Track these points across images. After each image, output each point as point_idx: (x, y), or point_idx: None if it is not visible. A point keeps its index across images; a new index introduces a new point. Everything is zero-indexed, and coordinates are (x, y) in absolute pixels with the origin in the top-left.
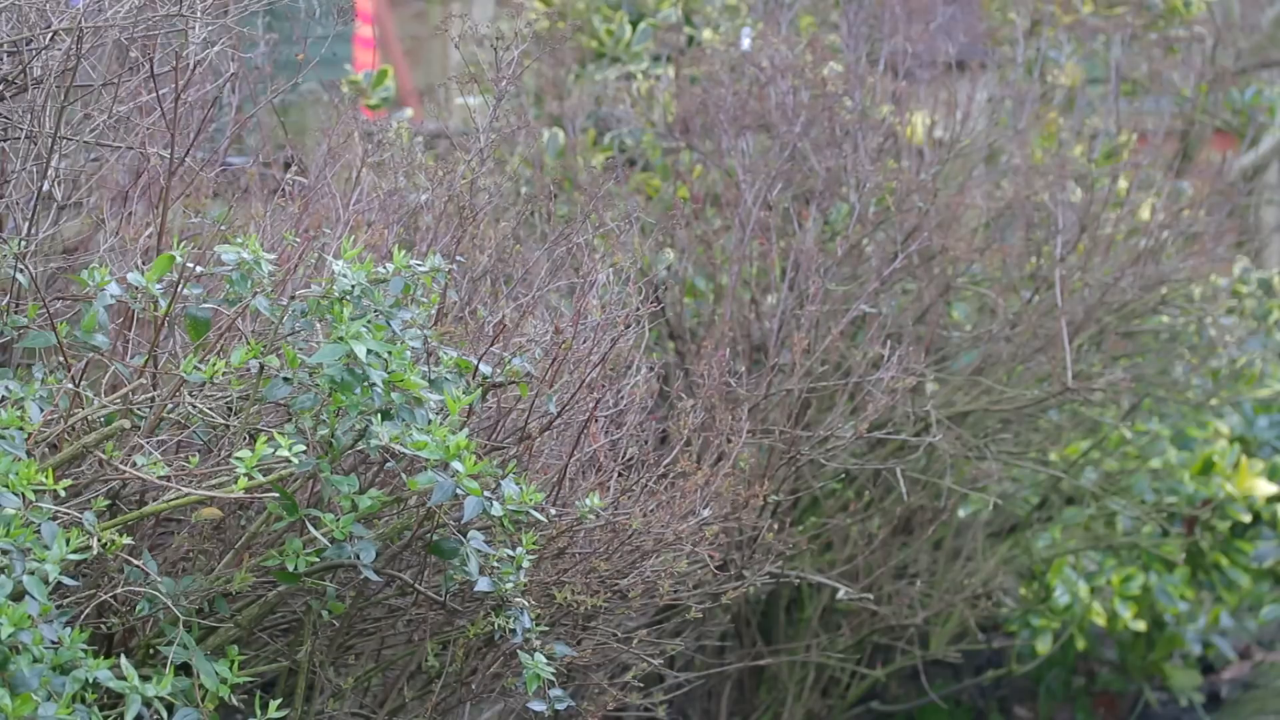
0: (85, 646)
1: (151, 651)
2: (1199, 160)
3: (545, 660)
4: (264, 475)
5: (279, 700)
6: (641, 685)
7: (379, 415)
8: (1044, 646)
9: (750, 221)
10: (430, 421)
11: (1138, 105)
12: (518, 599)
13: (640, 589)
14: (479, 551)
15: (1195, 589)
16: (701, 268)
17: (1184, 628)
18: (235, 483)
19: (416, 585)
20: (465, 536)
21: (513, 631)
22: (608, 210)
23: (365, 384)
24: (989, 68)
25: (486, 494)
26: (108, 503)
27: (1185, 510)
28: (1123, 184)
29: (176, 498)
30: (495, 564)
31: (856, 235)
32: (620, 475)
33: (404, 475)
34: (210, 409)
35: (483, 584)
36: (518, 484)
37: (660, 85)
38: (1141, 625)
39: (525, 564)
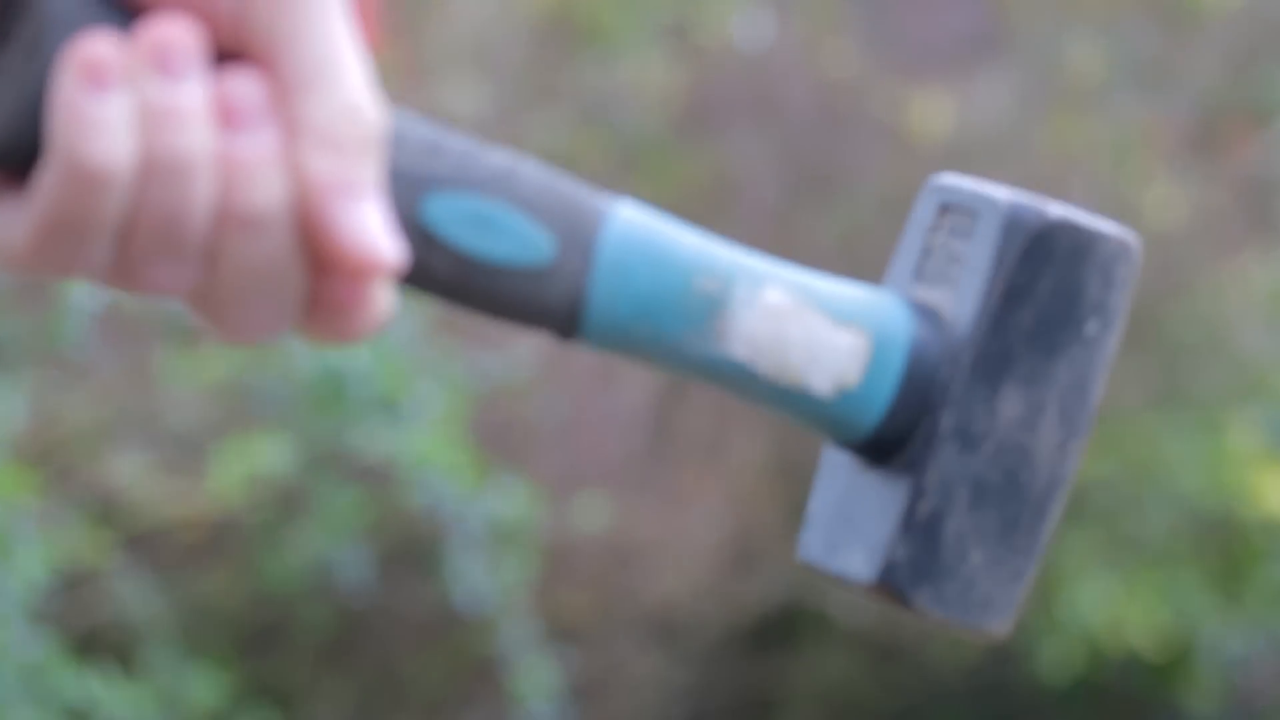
0: (67, 656)
1: (136, 663)
2: (1222, 151)
3: (541, 674)
4: (252, 484)
5: (266, 713)
6: (642, 701)
7: (372, 421)
8: (1059, 669)
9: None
10: (425, 427)
11: (1158, 94)
12: (513, 610)
13: (642, 600)
14: (474, 562)
15: (1219, 609)
16: None
17: (1206, 648)
18: (222, 492)
19: (408, 598)
20: (460, 546)
21: (508, 644)
22: None
23: (359, 389)
24: (1004, 58)
25: (482, 502)
26: (92, 511)
27: (1207, 524)
28: (1140, 177)
29: (162, 507)
30: (490, 575)
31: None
32: (621, 481)
33: (397, 483)
34: (196, 416)
35: (477, 595)
36: (515, 491)
37: (662, 80)
38: (1162, 648)
39: (522, 575)
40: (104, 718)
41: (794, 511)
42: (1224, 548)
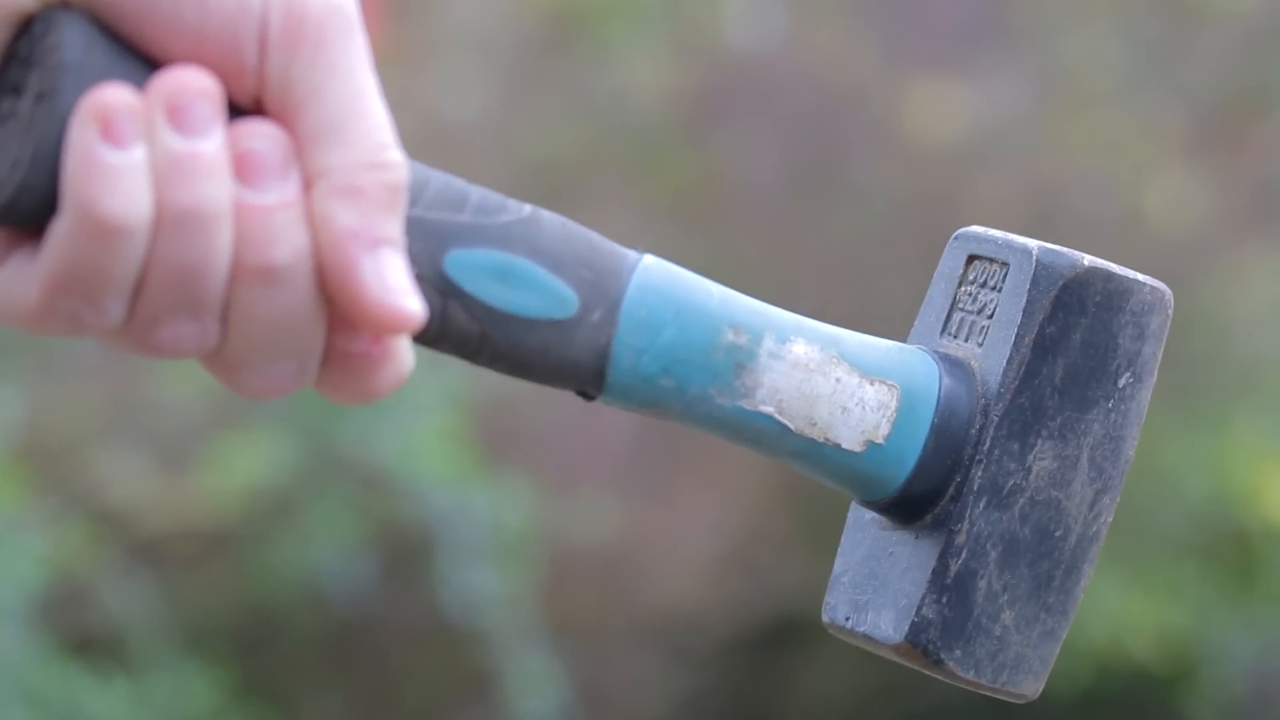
0: (63, 658)
1: (134, 666)
2: (1229, 149)
3: (539, 678)
4: (250, 489)
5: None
6: (642, 706)
7: (369, 421)
8: (1064, 680)
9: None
10: (424, 429)
11: (1165, 91)
12: (513, 615)
13: (643, 605)
14: (472, 567)
15: (1226, 613)
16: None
17: (1212, 655)
18: (221, 497)
19: (405, 602)
20: (456, 552)
21: (505, 648)
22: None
23: None
24: (1008, 54)
25: (483, 509)
26: (87, 512)
27: (1213, 528)
28: (1147, 175)
29: (157, 509)
30: (489, 580)
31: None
32: (623, 485)
33: (394, 490)
34: (194, 420)
35: (472, 600)
36: (516, 495)
37: (662, 80)
38: (1168, 657)
39: (522, 579)
40: (98, 719)
41: (797, 516)
42: (1231, 551)
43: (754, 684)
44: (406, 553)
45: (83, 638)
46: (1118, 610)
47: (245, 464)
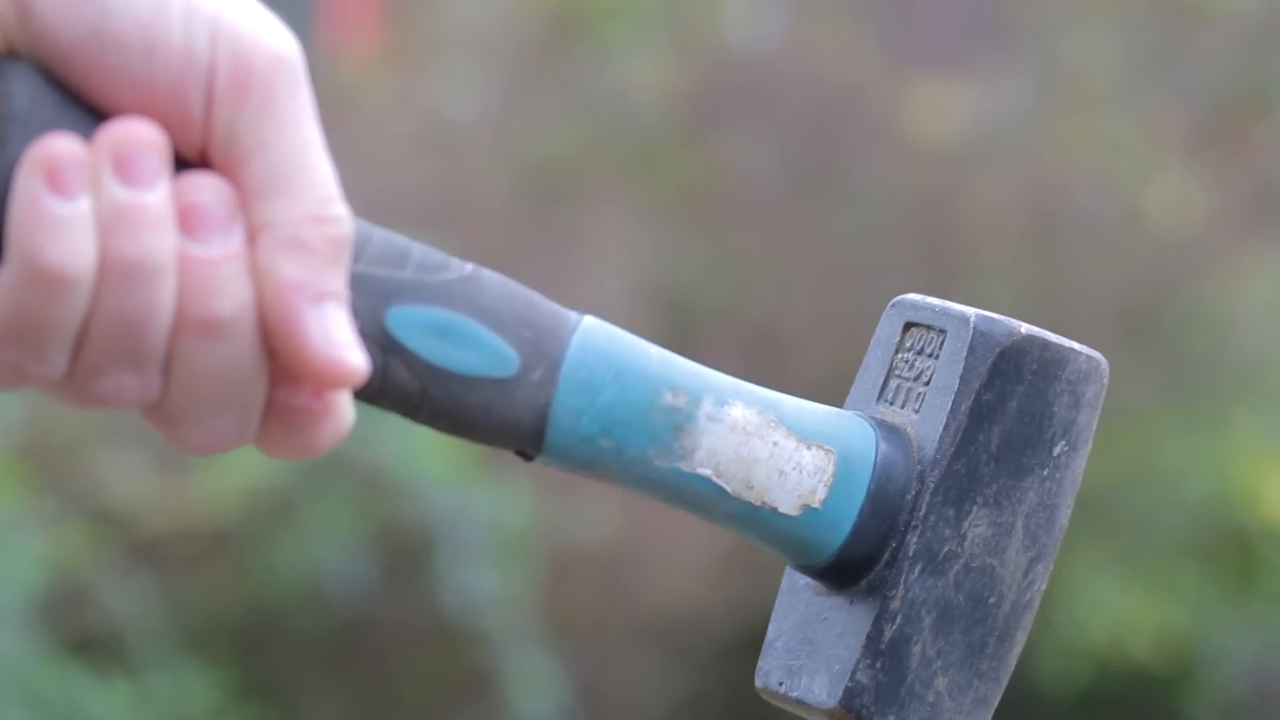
0: (65, 660)
1: (134, 666)
2: (1228, 148)
3: (539, 678)
4: (250, 489)
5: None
6: (642, 705)
7: (371, 427)
8: (1063, 681)
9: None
10: (426, 433)
11: (1165, 90)
12: (513, 615)
13: (643, 605)
14: (472, 568)
15: (1226, 612)
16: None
17: (1211, 655)
18: (221, 497)
19: (405, 603)
20: (455, 553)
21: (504, 649)
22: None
23: None
24: (1008, 54)
25: (483, 509)
26: (88, 512)
27: (1213, 527)
28: (1146, 174)
29: (157, 510)
30: (489, 580)
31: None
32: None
33: (393, 490)
34: None
35: (471, 600)
36: (516, 496)
37: (663, 80)
38: (1167, 656)
39: (522, 582)
40: (98, 719)
41: None
42: (1231, 551)
43: (754, 684)
44: (406, 553)
45: (83, 638)
46: (1118, 610)
47: (245, 464)
